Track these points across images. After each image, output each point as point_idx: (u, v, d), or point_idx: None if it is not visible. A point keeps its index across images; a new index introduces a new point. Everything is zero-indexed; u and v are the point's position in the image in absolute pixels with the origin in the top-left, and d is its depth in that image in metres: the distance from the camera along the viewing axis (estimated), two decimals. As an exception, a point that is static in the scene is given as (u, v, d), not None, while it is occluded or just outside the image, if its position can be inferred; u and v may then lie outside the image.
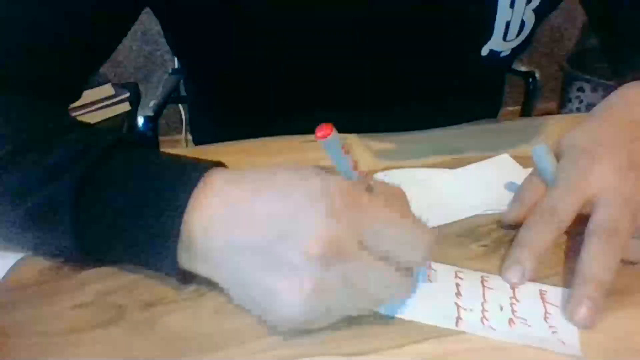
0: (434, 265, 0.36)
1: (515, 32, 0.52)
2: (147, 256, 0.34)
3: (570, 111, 1.91)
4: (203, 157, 0.36)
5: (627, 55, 0.55)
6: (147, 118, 0.92)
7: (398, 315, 0.33)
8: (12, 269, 0.37)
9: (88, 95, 1.28)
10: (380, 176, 0.47)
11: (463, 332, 0.32)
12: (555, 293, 0.34)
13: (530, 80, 1.09)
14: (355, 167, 0.32)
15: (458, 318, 0.32)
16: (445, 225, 0.41)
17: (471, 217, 0.42)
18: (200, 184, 0.32)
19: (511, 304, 0.33)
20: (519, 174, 0.44)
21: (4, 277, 0.36)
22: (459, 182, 0.46)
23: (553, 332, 0.32)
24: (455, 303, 0.33)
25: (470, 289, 0.35)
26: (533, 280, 0.35)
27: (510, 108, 1.59)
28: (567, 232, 0.37)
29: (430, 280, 0.35)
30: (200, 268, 0.33)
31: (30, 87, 0.42)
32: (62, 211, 0.33)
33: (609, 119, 0.43)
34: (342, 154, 0.31)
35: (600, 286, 0.33)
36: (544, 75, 1.13)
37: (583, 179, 0.37)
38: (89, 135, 0.38)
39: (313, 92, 0.55)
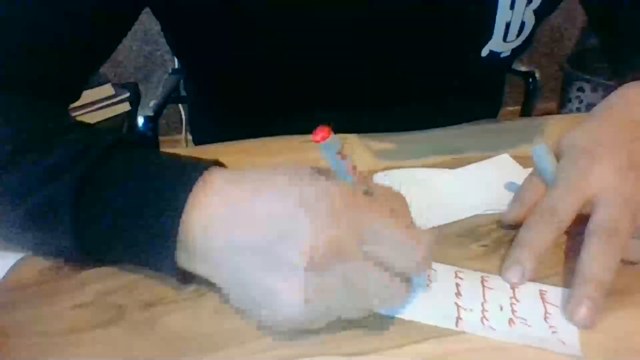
0: (434, 265, 0.36)
1: (515, 33, 0.52)
2: (147, 256, 0.34)
3: (570, 111, 1.91)
4: (203, 157, 0.36)
5: (627, 55, 0.55)
6: (147, 118, 0.92)
7: (398, 315, 0.33)
8: (12, 269, 0.37)
9: (88, 95, 1.28)
10: (380, 176, 0.47)
11: (463, 332, 0.32)
12: (555, 293, 0.34)
13: (530, 80, 1.09)
14: (353, 171, 0.32)
15: (458, 318, 0.32)
16: (445, 225, 0.41)
17: (471, 217, 0.42)
18: (200, 183, 0.32)
19: (511, 304, 0.33)
20: (519, 174, 0.44)
21: (4, 277, 0.36)
22: (459, 182, 0.46)
23: (553, 332, 0.32)
24: (455, 303, 0.33)
25: (470, 289, 0.35)
26: (533, 280, 0.35)
27: (510, 108, 1.59)
28: (567, 232, 0.37)
29: (430, 285, 0.35)
30: (200, 268, 0.33)
31: (30, 87, 0.42)
32: (62, 211, 0.33)
33: (609, 119, 0.43)
34: (339, 157, 0.31)
35: (600, 286, 0.33)
36: (544, 75, 1.13)
37: (583, 179, 0.37)
38: (89, 135, 0.38)
39: (313, 92, 0.55)
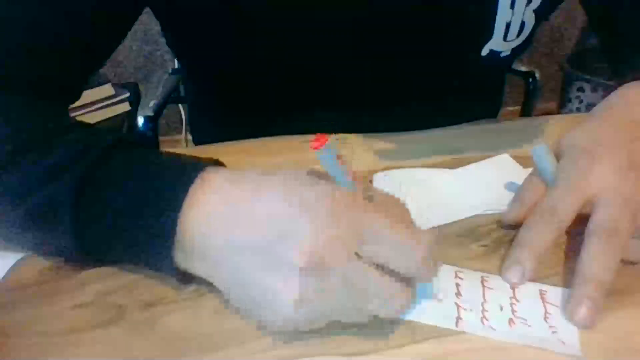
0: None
1: (516, 33, 0.52)
2: (146, 256, 0.34)
3: (570, 111, 1.91)
4: (203, 157, 0.36)
5: (627, 55, 0.55)
6: (147, 118, 0.92)
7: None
8: (12, 269, 0.37)
9: (88, 95, 1.28)
10: (380, 176, 0.47)
11: (463, 332, 0.32)
12: (555, 293, 0.34)
13: (530, 80, 1.09)
14: (353, 177, 0.32)
15: (458, 318, 0.32)
16: (445, 225, 0.41)
17: (471, 217, 0.42)
18: (198, 181, 0.32)
19: (511, 304, 0.33)
20: (519, 174, 0.44)
21: (4, 277, 0.36)
22: (459, 182, 0.46)
23: (553, 332, 0.32)
24: (455, 303, 0.33)
25: (470, 289, 0.35)
26: (533, 280, 0.35)
27: (510, 108, 1.58)
28: (567, 232, 0.38)
29: (436, 295, 0.34)
30: (198, 267, 0.33)
31: (30, 87, 0.42)
32: (62, 211, 0.33)
33: (609, 119, 0.43)
34: (338, 164, 0.31)
35: (600, 286, 0.33)
36: (544, 75, 1.13)
37: (583, 179, 0.37)
38: (89, 136, 0.38)
39: (313, 92, 0.55)
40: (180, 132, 1.71)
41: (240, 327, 0.32)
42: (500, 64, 0.56)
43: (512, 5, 0.49)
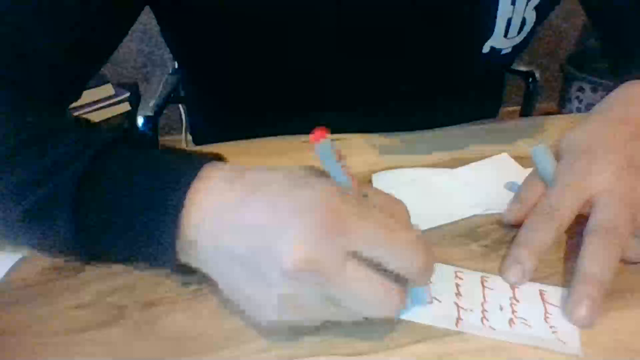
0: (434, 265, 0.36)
1: (517, 30, 0.52)
2: (146, 253, 0.34)
3: (570, 111, 1.91)
4: (206, 151, 0.36)
5: (626, 55, 0.55)
6: (147, 118, 0.92)
7: (398, 315, 0.33)
8: (13, 268, 0.37)
9: (88, 95, 1.29)
10: (379, 176, 0.47)
11: (463, 332, 0.32)
12: (555, 293, 0.34)
13: (530, 80, 1.09)
14: (349, 174, 0.31)
15: (458, 318, 0.32)
16: (445, 225, 0.41)
17: (471, 217, 0.42)
18: (197, 180, 0.32)
19: (511, 304, 0.33)
20: (519, 174, 0.44)
21: (4, 277, 0.36)
22: (459, 182, 0.46)
23: (553, 332, 0.32)
24: (455, 303, 0.33)
25: (470, 289, 0.35)
26: (533, 280, 0.35)
27: (510, 108, 1.58)
28: (567, 232, 0.37)
29: (432, 302, 0.34)
30: (197, 265, 0.33)
31: (30, 86, 0.42)
32: (61, 209, 0.33)
33: (609, 119, 0.43)
34: (335, 159, 0.30)
35: (600, 285, 0.33)
36: (544, 75, 1.13)
37: (583, 179, 0.37)
38: (88, 134, 0.38)
39: (312, 93, 0.55)
40: (180, 132, 1.71)
41: (240, 327, 0.32)
42: (501, 61, 0.56)
43: (513, 2, 0.49)
